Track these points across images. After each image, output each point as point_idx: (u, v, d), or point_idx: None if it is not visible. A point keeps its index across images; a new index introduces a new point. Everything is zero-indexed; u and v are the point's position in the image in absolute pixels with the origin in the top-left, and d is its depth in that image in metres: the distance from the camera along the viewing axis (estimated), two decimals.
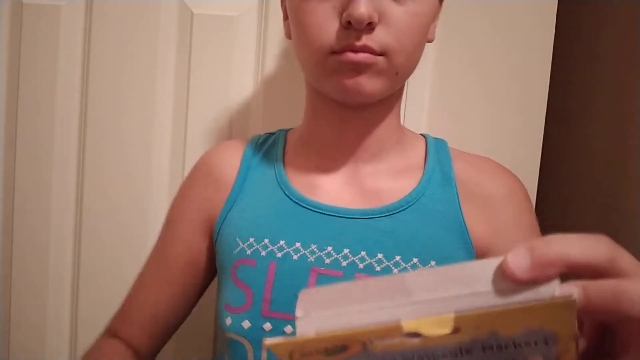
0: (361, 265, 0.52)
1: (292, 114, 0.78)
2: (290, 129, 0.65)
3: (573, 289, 0.22)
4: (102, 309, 0.82)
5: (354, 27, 0.47)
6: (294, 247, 0.53)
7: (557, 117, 0.83)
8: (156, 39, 0.79)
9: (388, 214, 0.54)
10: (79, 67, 0.81)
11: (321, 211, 0.55)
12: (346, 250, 0.53)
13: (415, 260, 0.52)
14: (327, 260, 0.52)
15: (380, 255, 0.52)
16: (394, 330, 0.22)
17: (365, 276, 0.51)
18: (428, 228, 0.53)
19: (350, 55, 0.48)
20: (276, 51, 0.78)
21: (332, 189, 0.57)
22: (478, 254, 0.54)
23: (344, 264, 0.52)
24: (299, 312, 0.24)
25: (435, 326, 0.21)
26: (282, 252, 0.53)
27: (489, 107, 0.76)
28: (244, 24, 0.78)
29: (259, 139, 0.64)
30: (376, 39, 0.48)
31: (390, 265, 0.52)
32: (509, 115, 0.76)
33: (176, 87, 0.80)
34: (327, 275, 0.52)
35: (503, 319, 0.21)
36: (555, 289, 0.22)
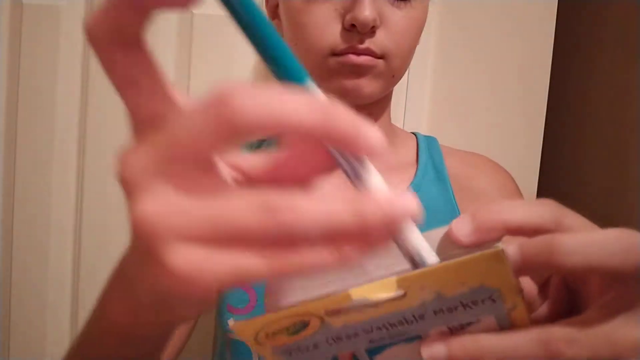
0: None
1: None
2: None
3: (508, 246, 0.22)
4: None
5: (357, 30, 0.47)
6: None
7: (557, 116, 0.83)
8: (156, 39, 0.79)
9: None
10: (79, 67, 0.81)
11: None
12: None
13: None
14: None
15: None
16: (344, 299, 0.22)
17: None
18: (426, 225, 0.53)
19: (353, 58, 0.48)
20: None
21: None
22: None
23: None
24: (267, 300, 0.24)
25: (380, 290, 0.22)
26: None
27: (489, 107, 0.76)
28: None
29: (252, 146, 0.64)
30: (377, 42, 0.48)
31: None
32: (509, 115, 0.76)
33: (176, 87, 0.79)
34: None
35: (442, 277, 0.22)
36: None
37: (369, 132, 0.19)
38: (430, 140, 0.61)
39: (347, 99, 0.52)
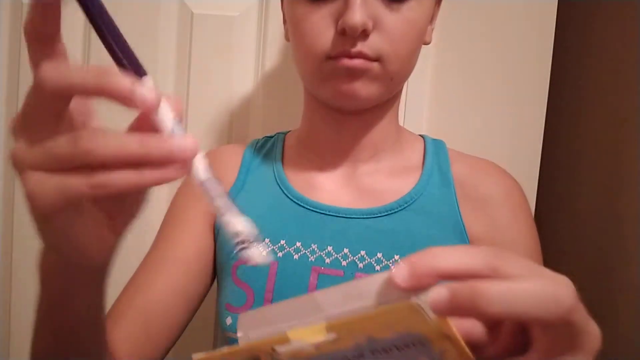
0: (361, 265, 0.52)
1: (292, 113, 0.78)
2: (288, 132, 0.65)
3: (440, 289, 0.24)
4: None
5: (349, 34, 0.47)
6: (295, 246, 0.54)
7: (557, 117, 0.83)
8: (156, 39, 0.79)
9: (387, 213, 0.54)
10: None
11: (321, 211, 0.55)
12: (346, 250, 0.53)
13: None
14: (328, 260, 0.53)
15: (379, 255, 0.52)
16: (283, 340, 0.25)
17: (362, 275, 0.52)
18: (427, 228, 0.54)
19: (346, 61, 0.49)
20: (276, 51, 0.78)
21: (331, 189, 0.57)
22: None
23: (344, 263, 0.53)
24: (239, 333, 0.28)
25: (313, 334, 0.25)
26: (283, 252, 0.54)
27: (489, 107, 0.76)
28: (244, 24, 0.78)
29: (257, 143, 0.64)
30: (371, 45, 0.49)
31: (390, 265, 0.52)
32: (509, 116, 0.76)
33: (176, 87, 0.80)
34: (327, 275, 0.52)
35: (368, 324, 0.24)
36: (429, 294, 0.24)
37: (142, 91, 0.25)
38: (438, 144, 0.61)
39: (345, 102, 0.52)
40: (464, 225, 0.54)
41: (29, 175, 0.26)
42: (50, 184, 0.25)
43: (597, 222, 0.82)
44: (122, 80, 0.25)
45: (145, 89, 0.25)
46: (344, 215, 0.55)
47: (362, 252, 0.53)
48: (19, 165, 0.26)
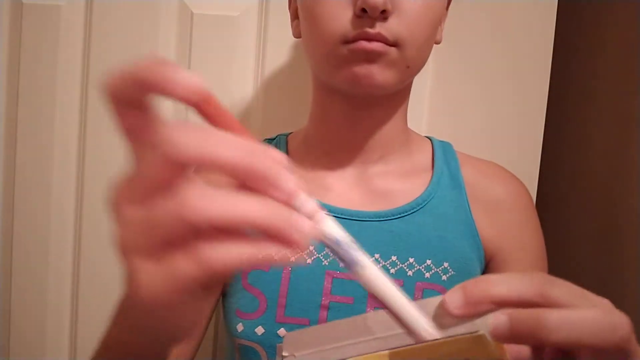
0: None
1: (292, 114, 0.78)
2: (289, 133, 0.65)
3: (501, 317, 0.24)
4: (103, 308, 0.82)
5: (368, 15, 0.47)
6: (307, 250, 0.53)
7: (557, 116, 0.83)
8: (156, 39, 0.79)
9: (400, 216, 0.54)
10: (79, 67, 0.81)
11: (333, 214, 0.54)
12: None
13: (428, 262, 0.52)
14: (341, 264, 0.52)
15: (394, 258, 0.52)
16: None
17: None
18: (440, 230, 0.54)
19: (364, 44, 0.48)
20: (276, 51, 0.78)
21: (340, 191, 0.56)
22: (487, 255, 0.56)
23: None
24: (285, 352, 0.29)
25: None
26: (296, 256, 0.53)
27: (489, 107, 0.76)
28: (244, 24, 0.78)
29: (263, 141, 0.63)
30: (390, 28, 0.48)
31: (405, 268, 0.52)
32: (509, 115, 0.76)
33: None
34: (342, 279, 0.51)
35: (429, 352, 0.25)
36: (488, 321, 0.25)
37: (287, 177, 0.22)
38: (446, 146, 0.61)
39: (360, 87, 0.51)
40: (476, 228, 0.54)
41: (138, 266, 0.22)
42: (158, 276, 0.22)
43: (598, 222, 0.82)
44: (269, 161, 0.22)
45: (289, 178, 0.22)
46: (357, 218, 0.54)
47: (377, 255, 0.52)
48: (126, 251, 0.23)
